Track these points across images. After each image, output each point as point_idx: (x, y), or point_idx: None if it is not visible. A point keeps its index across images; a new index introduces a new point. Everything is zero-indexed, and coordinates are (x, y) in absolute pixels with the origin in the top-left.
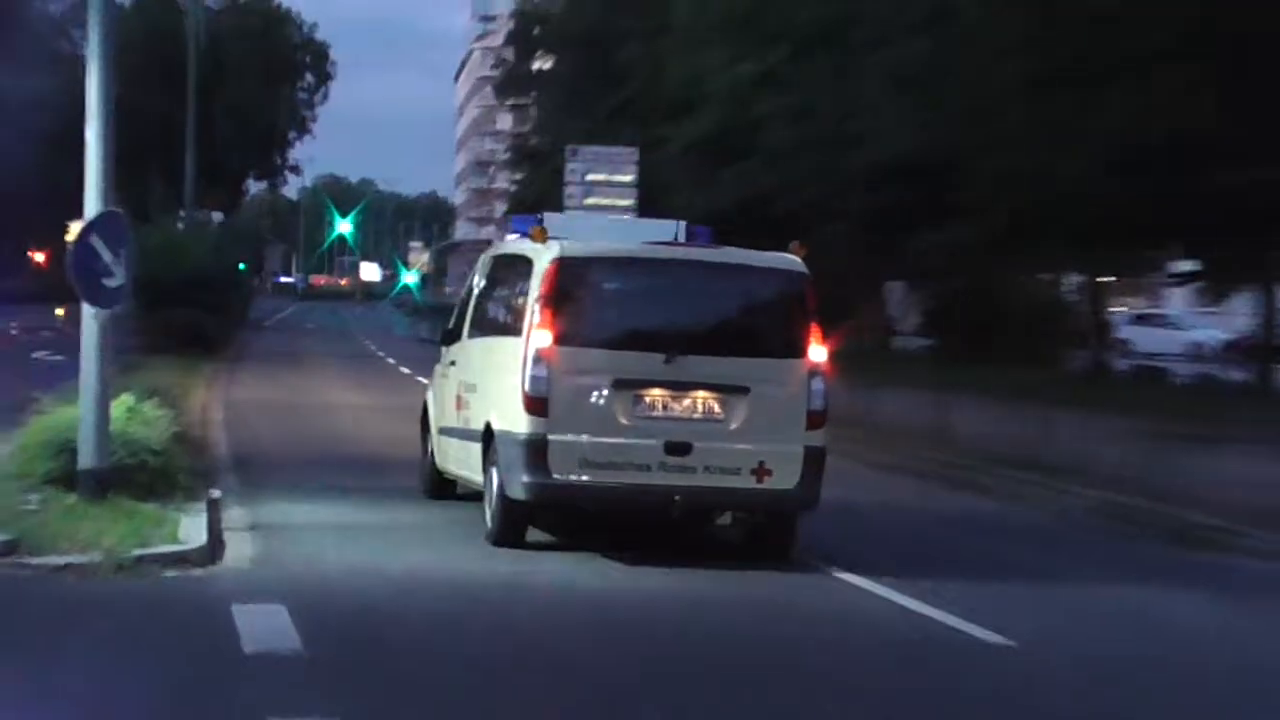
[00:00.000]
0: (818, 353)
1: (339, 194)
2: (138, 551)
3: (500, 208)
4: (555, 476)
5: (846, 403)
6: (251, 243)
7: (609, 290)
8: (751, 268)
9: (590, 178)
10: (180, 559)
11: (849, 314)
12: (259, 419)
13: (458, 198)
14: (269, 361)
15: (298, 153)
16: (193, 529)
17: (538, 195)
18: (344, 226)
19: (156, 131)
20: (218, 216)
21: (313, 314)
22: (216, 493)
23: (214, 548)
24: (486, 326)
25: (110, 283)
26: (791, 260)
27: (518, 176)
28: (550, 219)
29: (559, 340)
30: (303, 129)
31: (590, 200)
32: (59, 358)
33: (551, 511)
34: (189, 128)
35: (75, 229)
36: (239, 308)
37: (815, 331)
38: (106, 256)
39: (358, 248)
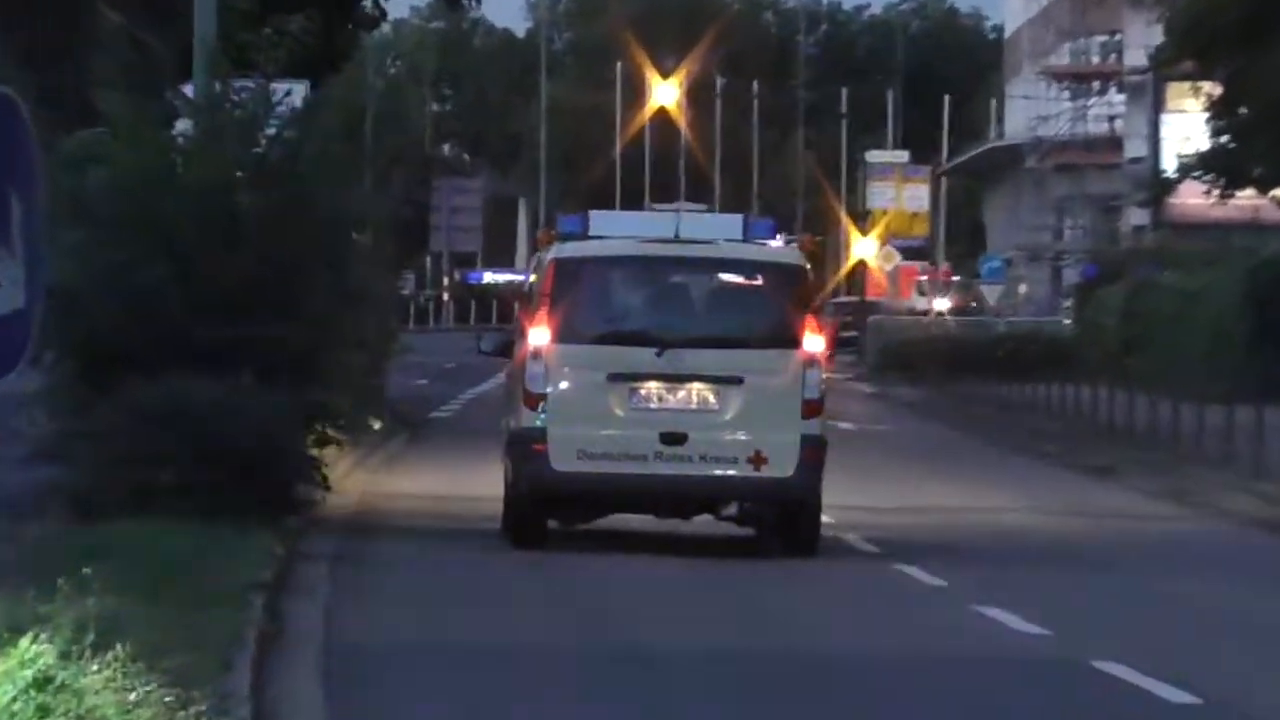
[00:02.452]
0: (813, 343)
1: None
2: None
3: (1138, 45)
4: (555, 468)
5: None
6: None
7: (603, 288)
8: (746, 261)
9: None
10: None
11: None
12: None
13: (1011, 13)
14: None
15: None
16: None
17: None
18: (669, 93)
19: None
20: (289, 92)
21: None
22: None
23: None
24: (522, 333)
25: None
26: (789, 253)
27: None
28: (597, 218)
29: (556, 338)
30: None
31: None
32: None
33: (555, 504)
34: None
35: None
36: (365, 361)
37: (811, 323)
38: None
39: (716, 161)
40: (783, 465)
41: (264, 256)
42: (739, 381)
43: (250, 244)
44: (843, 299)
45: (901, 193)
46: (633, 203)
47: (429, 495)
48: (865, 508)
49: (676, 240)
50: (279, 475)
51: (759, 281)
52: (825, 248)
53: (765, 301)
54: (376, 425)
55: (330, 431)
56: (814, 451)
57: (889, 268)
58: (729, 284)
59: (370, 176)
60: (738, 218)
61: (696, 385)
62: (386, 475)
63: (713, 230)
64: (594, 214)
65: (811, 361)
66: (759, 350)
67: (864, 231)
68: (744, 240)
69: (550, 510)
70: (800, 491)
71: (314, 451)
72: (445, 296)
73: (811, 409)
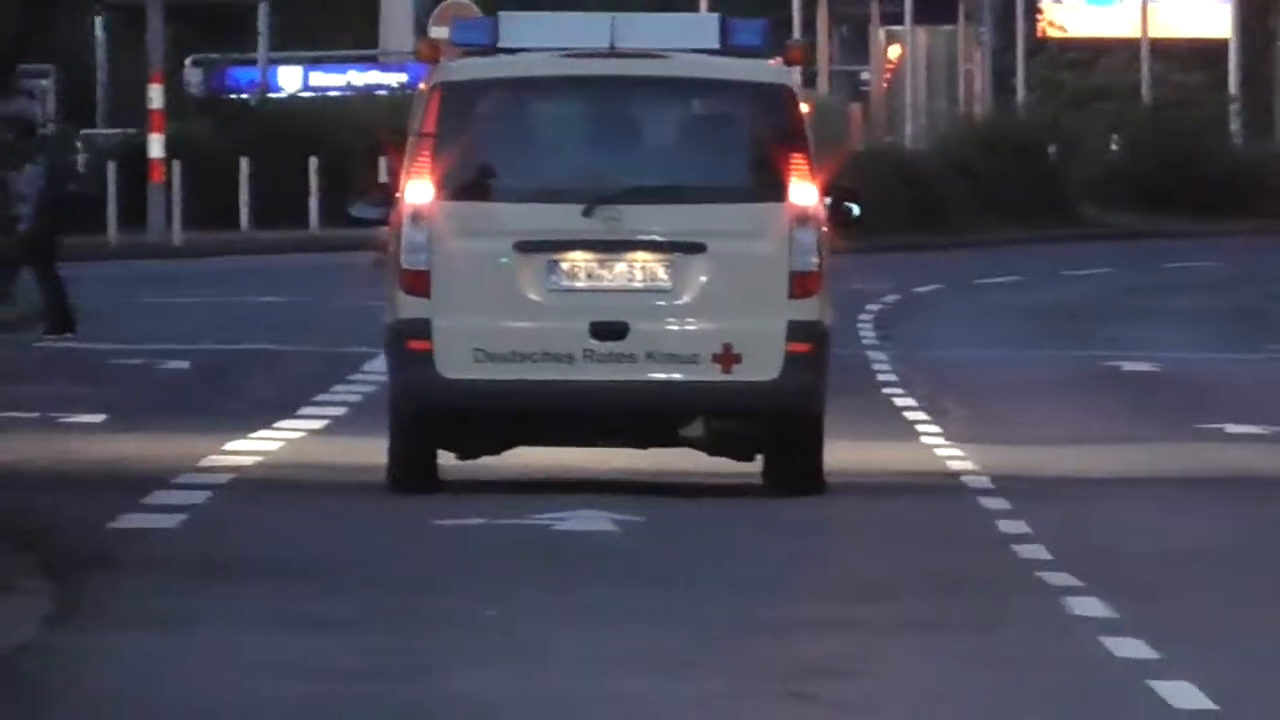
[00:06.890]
0: (804, 193)
1: None
2: None
3: None
4: (444, 375)
5: None
6: None
7: (508, 123)
8: (707, 82)
9: None
10: None
11: None
12: None
13: None
14: None
15: None
16: None
17: None
18: None
19: None
20: None
21: None
22: None
23: None
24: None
25: None
26: (768, 69)
27: None
28: (510, 22)
29: (443, 193)
30: None
31: None
32: None
33: (447, 428)
34: None
35: None
36: None
37: (802, 165)
38: None
39: None
40: (763, 364)
41: None
42: (700, 249)
43: None
44: None
45: None
46: None
47: None
48: None
49: (612, 53)
50: None
51: (727, 109)
52: None
53: (736, 137)
54: None
55: None
56: (808, 344)
57: None
58: (684, 113)
59: None
60: (711, 19)
61: (641, 255)
62: None
63: (669, 36)
64: (505, 16)
65: (803, 218)
66: (728, 205)
67: None
68: (721, 50)
69: (441, 437)
70: (788, 400)
71: None
72: (160, 162)
73: (804, 285)
